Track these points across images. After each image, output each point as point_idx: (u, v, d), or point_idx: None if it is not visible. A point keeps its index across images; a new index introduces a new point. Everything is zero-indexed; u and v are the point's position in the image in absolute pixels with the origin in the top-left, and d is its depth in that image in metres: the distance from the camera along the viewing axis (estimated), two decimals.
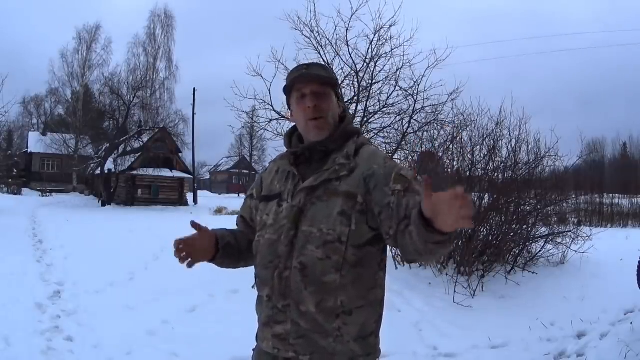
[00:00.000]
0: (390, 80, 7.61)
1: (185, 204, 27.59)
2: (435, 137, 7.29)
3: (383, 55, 7.57)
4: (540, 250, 6.62)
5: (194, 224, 1.51)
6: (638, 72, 69.13)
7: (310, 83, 1.52)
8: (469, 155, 6.69)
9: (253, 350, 1.58)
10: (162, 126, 25.14)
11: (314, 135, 1.53)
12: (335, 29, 7.47)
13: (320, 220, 1.42)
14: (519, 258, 6.39)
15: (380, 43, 7.50)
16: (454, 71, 7.27)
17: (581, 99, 72.57)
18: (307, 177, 1.49)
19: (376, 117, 7.81)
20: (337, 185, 1.45)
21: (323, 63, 7.38)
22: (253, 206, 1.65)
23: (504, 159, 6.66)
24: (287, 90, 1.58)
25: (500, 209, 6.30)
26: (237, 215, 1.74)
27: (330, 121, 1.54)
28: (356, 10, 7.32)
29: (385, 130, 7.81)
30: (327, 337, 1.40)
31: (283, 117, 7.70)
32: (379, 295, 1.50)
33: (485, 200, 6.35)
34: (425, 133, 7.44)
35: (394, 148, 7.53)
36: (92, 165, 26.50)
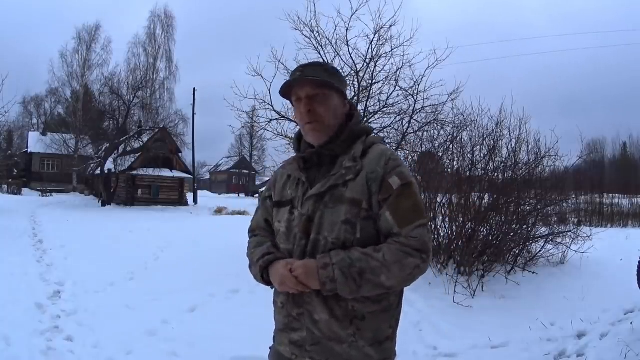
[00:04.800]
0: (390, 80, 7.63)
1: (185, 204, 27.57)
2: (435, 137, 7.30)
3: (383, 55, 7.60)
4: (540, 250, 6.62)
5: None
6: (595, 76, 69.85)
7: (305, 86, 1.49)
8: (469, 155, 6.69)
9: (270, 348, 1.60)
10: (162, 126, 25.11)
11: (312, 138, 1.52)
12: (335, 29, 7.49)
13: (325, 228, 1.42)
14: (519, 258, 6.40)
15: (380, 43, 7.53)
16: (453, 72, 7.29)
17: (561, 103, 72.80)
18: (316, 183, 1.48)
19: (376, 117, 7.83)
20: (343, 191, 1.42)
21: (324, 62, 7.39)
22: (270, 207, 1.62)
23: (504, 159, 6.66)
24: (286, 94, 1.56)
25: (500, 209, 6.29)
26: (258, 218, 1.69)
27: (330, 123, 1.50)
28: (356, 10, 7.35)
29: (385, 130, 7.83)
30: (342, 344, 1.41)
31: (283, 117, 7.71)
32: (393, 301, 1.48)
33: (485, 200, 6.35)
34: (425, 133, 7.45)
35: (394, 148, 7.53)
36: (92, 165, 26.45)
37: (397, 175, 1.42)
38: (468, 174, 6.62)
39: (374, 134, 1.59)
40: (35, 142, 34.63)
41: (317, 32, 7.61)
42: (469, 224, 6.13)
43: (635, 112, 63.93)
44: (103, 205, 22.99)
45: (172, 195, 26.96)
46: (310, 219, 1.44)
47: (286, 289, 1.42)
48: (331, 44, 7.61)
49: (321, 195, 1.44)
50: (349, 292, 1.35)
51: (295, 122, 1.53)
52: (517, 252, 6.45)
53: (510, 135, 6.65)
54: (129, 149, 24.72)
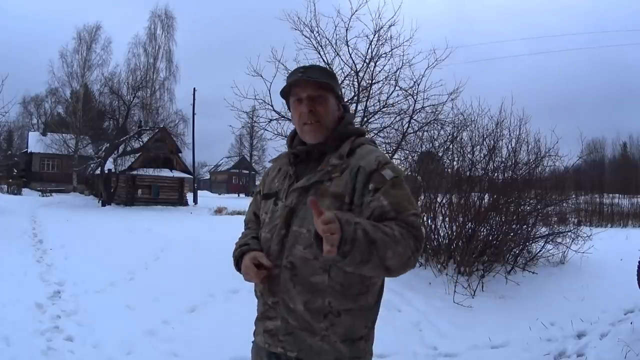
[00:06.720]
0: (390, 80, 7.62)
1: (186, 204, 27.57)
2: (435, 137, 7.30)
3: (383, 55, 7.59)
4: (540, 250, 6.63)
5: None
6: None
7: (307, 87, 1.53)
8: (469, 155, 6.70)
9: (252, 342, 1.64)
10: (162, 126, 25.07)
11: (309, 138, 1.55)
12: (335, 29, 7.48)
13: (309, 221, 1.41)
14: (519, 258, 6.40)
15: (380, 43, 7.52)
16: (453, 71, 7.29)
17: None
18: (302, 177, 1.52)
19: (376, 117, 7.82)
20: (327, 186, 1.46)
21: (323, 63, 7.41)
22: (259, 201, 1.70)
23: (504, 159, 6.66)
24: (285, 94, 1.61)
25: (500, 209, 6.30)
26: (249, 212, 1.77)
27: (327, 124, 1.54)
28: (356, 10, 7.34)
29: (385, 130, 7.83)
30: (314, 336, 1.43)
31: (283, 117, 7.71)
32: (371, 301, 1.49)
33: (485, 200, 6.35)
34: (425, 133, 7.45)
35: (394, 148, 7.53)
36: (92, 165, 26.47)
37: (390, 169, 1.44)
38: (468, 174, 6.63)
39: (366, 136, 1.64)
40: (35, 142, 34.57)
41: (317, 32, 7.62)
42: (469, 224, 6.14)
43: (635, 112, 63.97)
44: (103, 205, 22.98)
45: (172, 195, 26.95)
46: (292, 211, 1.48)
47: (249, 279, 1.49)
48: (331, 44, 7.61)
49: (306, 189, 1.48)
50: (359, 259, 1.22)
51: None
52: (517, 252, 6.45)
53: (510, 135, 6.67)
54: (129, 149, 24.69)
